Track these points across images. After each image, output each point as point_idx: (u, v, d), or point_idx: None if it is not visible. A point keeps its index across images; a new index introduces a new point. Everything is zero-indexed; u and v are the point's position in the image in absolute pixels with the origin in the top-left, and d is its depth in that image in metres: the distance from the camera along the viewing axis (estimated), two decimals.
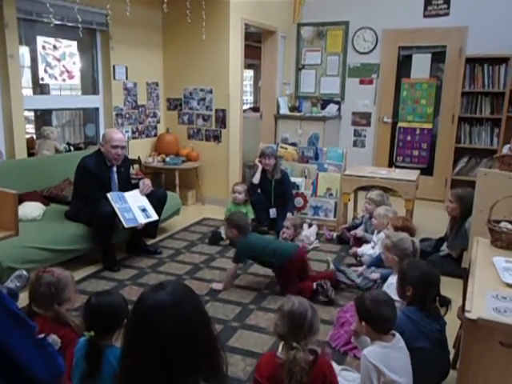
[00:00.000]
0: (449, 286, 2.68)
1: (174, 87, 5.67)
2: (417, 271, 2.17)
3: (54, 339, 1.88)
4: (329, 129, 6.18)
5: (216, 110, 5.50)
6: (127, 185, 3.94)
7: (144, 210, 3.79)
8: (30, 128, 4.88)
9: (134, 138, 5.37)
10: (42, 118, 4.91)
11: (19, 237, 2.48)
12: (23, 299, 2.23)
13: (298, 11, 6.51)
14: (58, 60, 4.50)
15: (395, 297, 2.25)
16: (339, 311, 2.86)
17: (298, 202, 4.96)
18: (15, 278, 2.78)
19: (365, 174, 4.62)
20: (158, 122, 5.73)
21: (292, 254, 3.29)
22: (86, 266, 3.69)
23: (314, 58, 6.64)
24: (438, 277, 2.18)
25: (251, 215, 4.68)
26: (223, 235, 4.24)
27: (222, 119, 5.49)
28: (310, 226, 4.57)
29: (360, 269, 3.54)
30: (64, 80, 4.61)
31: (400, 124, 6.22)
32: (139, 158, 5.23)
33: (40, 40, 4.33)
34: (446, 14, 5.79)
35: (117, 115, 5.08)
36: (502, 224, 2.30)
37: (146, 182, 3.97)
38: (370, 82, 6.36)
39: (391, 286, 2.63)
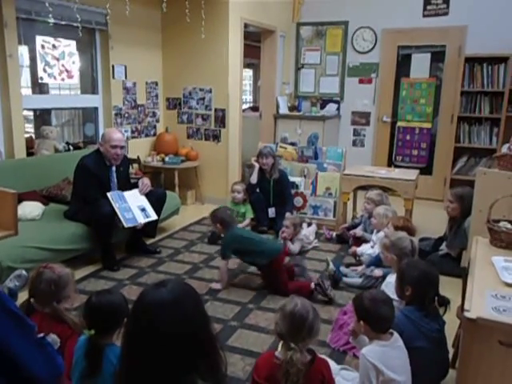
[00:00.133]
0: (448, 286, 2.68)
1: (174, 87, 5.67)
2: (416, 271, 2.17)
3: (53, 339, 1.88)
4: (328, 128, 6.18)
5: (215, 110, 5.50)
6: (126, 184, 3.94)
7: (143, 210, 3.79)
8: (29, 127, 4.87)
9: (133, 137, 5.36)
10: (41, 117, 4.90)
11: (18, 236, 2.48)
12: (23, 298, 2.22)
13: (297, 11, 6.51)
14: (57, 59, 4.49)
15: (393, 296, 2.25)
16: (338, 313, 2.86)
17: (298, 201, 4.97)
18: (14, 277, 2.77)
19: (364, 174, 4.62)
20: (158, 121, 5.73)
21: (278, 251, 3.32)
22: (85, 265, 3.69)
23: (314, 58, 6.64)
24: (437, 277, 2.18)
25: (250, 215, 4.69)
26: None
27: (221, 119, 5.49)
28: (309, 225, 4.57)
29: (359, 268, 3.55)
30: (63, 79, 4.60)
31: (399, 123, 6.22)
32: (138, 157, 5.23)
33: (39, 39, 4.33)
34: (446, 14, 5.79)
35: (116, 115, 5.08)
36: (501, 223, 2.31)
37: (145, 182, 3.97)
38: (370, 82, 6.36)
39: (389, 285, 2.63)
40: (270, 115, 6.43)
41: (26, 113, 4.39)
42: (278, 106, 6.47)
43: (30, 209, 3.65)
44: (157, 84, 5.63)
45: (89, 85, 5.02)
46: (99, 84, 4.98)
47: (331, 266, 3.44)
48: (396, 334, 1.97)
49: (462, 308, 1.98)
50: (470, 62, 5.52)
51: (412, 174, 4.64)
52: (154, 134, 5.68)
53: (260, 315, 2.99)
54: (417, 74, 6.08)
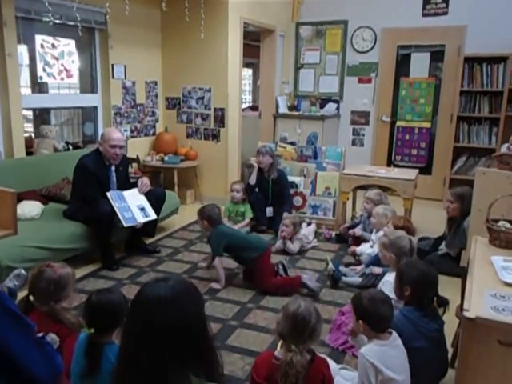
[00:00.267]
0: (447, 285, 2.69)
1: (173, 86, 5.66)
2: (415, 271, 2.17)
3: (52, 338, 1.88)
4: (327, 128, 6.18)
5: (215, 109, 5.50)
6: (126, 184, 3.94)
7: (143, 209, 3.79)
8: (29, 127, 4.86)
9: (132, 136, 5.36)
10: (41, 116, 4.90)
11: (18, 236, 2.48)
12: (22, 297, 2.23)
13: (296, 10, 6.51)
14: (57, 59, 4.49)
15: (391, 294, 2.26)
16: (336, 313, 2.86)
17: (297, 200, 4.97)
18: (14, 277, 2.77)
19: (363, 173, 4.62)
20: (157, 120, 5.73)
21: (264, 247, 3.39)
22: (84, 264, 3.69)
23: (313, 57, 6.64)
24: (436, 277, 2.18)
25: (250, 214, 4.69)
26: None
27: (220, 118, 5.48)
28: (308, 224, 4.57)
29: (358, 268, 3.55)
30: (62, 79, 4.60)
31: (399, 123, 6.22)
32: (138, 156, 5.23)
33: (38, 39, 4.33)
34: (445, 13, 5.79)
35: (115, 114, 5.07)
36: (501, 223, 2.31)
37: (145, 181, 3.96)
38: (369, 81, 6.36)
39: (386, 283, 2.64)
40: (270, 115, 6.43)
41: (25, 112, 4.39)
42: (277, 106, 6.47)
43: (30, 208, 3.65)
44: (156, 83, 5.62)
45: (88, 84, 5.02)
46: (98, 83, 4.98)
47: (330, 265, 3.44)
48: (395, 333, 1.97)
49: (461, 307, 1.99)
50: (469, 61, 5.52)
51: (411, 174, 4.64)
52: (154, 134, 5.68)
53: (259, 314, 2.99)
54: (416, 73, 6.08)
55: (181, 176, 5.43)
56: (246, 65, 8.87)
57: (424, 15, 5.89)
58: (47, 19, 3.96)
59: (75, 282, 2.20)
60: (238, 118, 5.64)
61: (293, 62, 6.77)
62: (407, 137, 6.19)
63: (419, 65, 6.05)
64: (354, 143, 6.58)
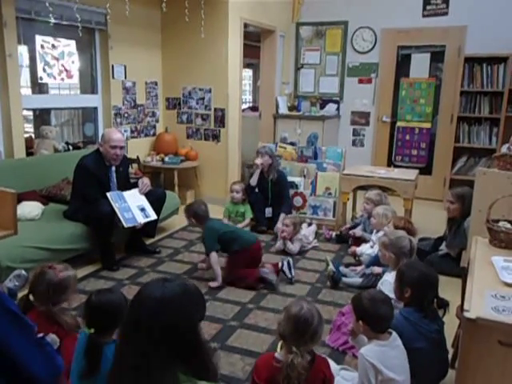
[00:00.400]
0: (447, 286, 2.69)
1: (173, 86, 5.66)
2: (415, 272, 2.17)
3: (52, 338, 1.89)
4: (328, 128, 6.18)
5: (215, 110, 5.50)
6: (126, 184, 3.94)
7: (143, 210, 3.79)
8: (29, 127, 4.87)
9: (132, 137, 5.36)
10: (41, 117, 4.90)
11: (18, 236, 2.49)
12: None
13: (297, 11, 6.51)
14: (57, 59, 4.49)
15: (390, 294, 2.26)
16: (336, 314, 2.86)
17: (297, 201, 4.97)
18: (14, 277, 2.77)
19: (364, 174, 4.62)
20: (157, 121, 5.73)
21: (250, 243, 3.49)
22: (85, 265, 3.68)
23: (313, 58, 6.64)
24: (436, 279, 2.18)
25: (250, 214, 4.69)
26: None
27: (220, 119, 5.48)
28: (309, 225, 4.57)
29: (359, 268, 3.54)
30: (63, 79, 4.60)
31: (399, 123, 6.22)
32: (138, 157, 5.23)
33: (39, 39, 4.32)
34: (445, 14, 5.79)
35: (115, 114, 5.07)
36: (501, 223, 2.30)
37: (145, 181, 3.96)
38: (369, 82, 6.36)
39: (386, 283, 2.64)
40: (270, 115, 6.43)
41: (25, 112, 4.38)
42: (277, 106, 6.47)
43: (30, 209, 3.65)
44: (156, 84, 5.63)
45: (88, 85, 5.02)
46: (99, 84, 4.98)
47: (331, 266, 3.44)
48: (395, 334, 1.97)
49: (461, 308, 1.98)
50: (469, 61, 5.52)
51: (411, 174, 4.64)
52: (154, 134, 5.68)
53: (260, 315, 2.99)
54: (416, 74, 6.08)
55: (181, 176, 5.43)
56: (247, 65, 8.87)
57: (424, 16, 5.89)
58: (47, 20, 3.96)
59: (76, 284, 2.19)
60: (238, 118, 5.64)
61: (293, 63, 6.77)
62: (407, 137, 6.18)
63: (419, 65, 6.05)
64: (354, 144, 6.58)
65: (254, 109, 7.48)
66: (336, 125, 6.56)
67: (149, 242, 4.20)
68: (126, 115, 5.21)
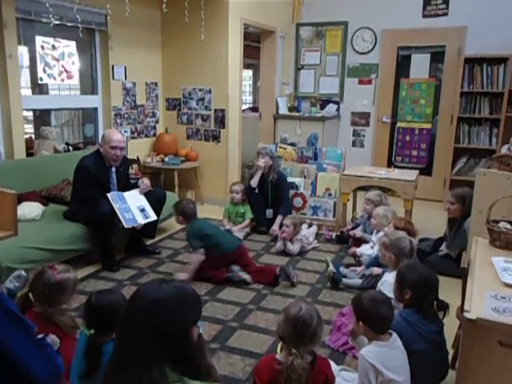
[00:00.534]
0: (448, 286, 2.68)
1: (173, 87, 5.67)
2: (416, 274, 2.16)
3: (52, 339, 1.88)
4: (328, 129, 6.18)
5: (215, 110, 5.50)
6: (126, 185, 3.94)
7: (143, 210, 3.79)
8: (29, 128, 4.87)
9: (132, 137, 5.36)
10: (41, 117, 4.90)
11: (18, 237, 2.48)
12: None
13: (297, 11, 6.52)
14: (57, 60, 4.49)
15: (390, 294, 2.26)
16: (336, 315, 2.86)
17: (298, 202, 4.96)
18: (14, 278, 2.76)
19: (364, 174, 4.62)
20: (157, 122, 5.73)
21: (231, 249, 3.53)
22: (85, 266, 3.68)
23: (313, 58, 6.64)
24: (436, 281, 2.18)
25: (250, 215, 4.68)
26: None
27: (220, 119, 5.49)
28: (309, 226, 4.57)
29: (359, 269, 3.54)
30: (63, 80, 4.60)
31: (399, 124, 6.22)
32: (138, 157, 5.23)
33: (39, 40, 4.33)
34: (445, 14, 5.79)
35: (116, 115, 5.07)
36: (501, 224, 2.30)
37: (146, 182, 3.96)
38: (369, 82, 6.36)
39: (385, 283, 2.64)
40: (270, 116, 6.43)
41: (25, 113, 4.39)
42: (277, 107, 6.47)
43: (30, 209, 3.65)
44: (156, 84, 5.63)
45: (88, 85, 5.02)
46: (99, 84, 4.98)
47: (331, 266, 3.44)
48: (395, 334, 1.97)
49: (461, 309, 1.98)
50: (469, 62, 5.51)
51: (412, 175, 4.64)
52: (154, 135, 5.68)
53: (260, 316, 2.99)
54: (416, 74, 6.08)
55: (181, 177, 5.43)
56: (247, 66, 8.88)
57: (424, 16, 5.89)
58: (48, 20, 3.96)
59: (76, 287, 2.17)
60: (238, 119, 5.64)
61: (293, 63, 6.77)
62: (407, 138, 6.18)
63: (419, 66, 6.05)
64: (354, 144, 6.58)
65: (254, 109, 7.49)
66: (336, 125, 6.56)
67: (149, 242, 4.20)
68: (126, 116, 5.22)
